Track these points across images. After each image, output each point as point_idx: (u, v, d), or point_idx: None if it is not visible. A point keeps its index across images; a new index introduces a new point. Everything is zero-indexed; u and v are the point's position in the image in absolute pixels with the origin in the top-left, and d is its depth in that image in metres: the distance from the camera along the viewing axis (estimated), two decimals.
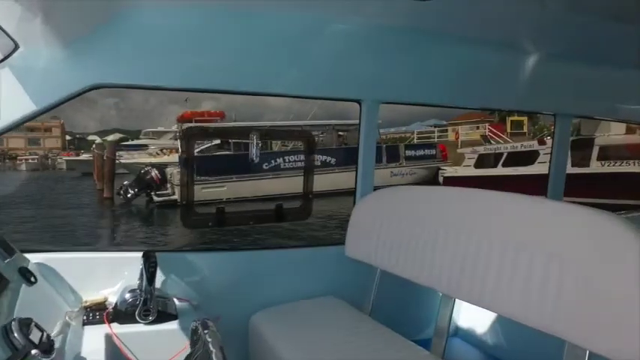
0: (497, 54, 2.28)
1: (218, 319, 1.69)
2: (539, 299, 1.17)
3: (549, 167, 2.82)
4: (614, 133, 14.14)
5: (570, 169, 11.05)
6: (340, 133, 22.91)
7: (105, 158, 18.58)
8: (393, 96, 2.19)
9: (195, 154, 18.14)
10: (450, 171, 19.01)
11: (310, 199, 2.17)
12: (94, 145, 26.22)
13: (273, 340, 1.62)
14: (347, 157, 18.43)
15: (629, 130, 13.90)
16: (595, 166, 13.83)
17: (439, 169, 20.36)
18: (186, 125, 21.13)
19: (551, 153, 2.79)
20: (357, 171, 2.17)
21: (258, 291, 1.96)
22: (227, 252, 2.16)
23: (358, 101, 2.11)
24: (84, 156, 33.97)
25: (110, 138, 27.69)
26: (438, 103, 2.31)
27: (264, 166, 17.01)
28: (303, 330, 1.67)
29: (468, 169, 17.90)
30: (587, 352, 1.10)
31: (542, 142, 15.81)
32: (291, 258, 2.12)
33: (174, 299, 1.71)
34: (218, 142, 19.00)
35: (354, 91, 2.10)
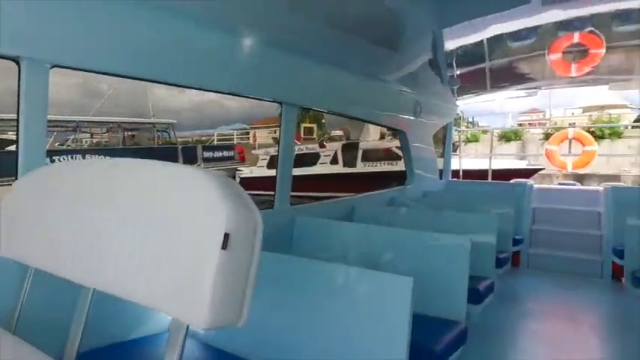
0: (218, 34, 2.22)
1: None
2: (140, 273, 1.01)
3: (278, 151, 2.96)
4: (372, 139, 17.36)
5: (343, 169, 12.74)
6: (130, 132, 20.67)
7: None
8: (67, 59, 1.71)
9: None
10: (245, 172, 19.61)
11: None
12: None
13: None
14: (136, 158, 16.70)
15: (382, 137, 17.31)
16: (360, 167, 16.64)
17: (237, 169, 20.74)
18: None
19: (279, 139, 2.94)
20: (17, 151, 1.68)
21: None
22: None
23: (15, 60, 1.60)
24: None
25: None
26: (135, 75, 1.98)
27: None
28: None
29: (261, 170, 18.84)
30: (187, 325, 0.99)
31: (322, 146, 18.07)
32: None
33: None
34: None
35: (6, 45, 1.54)
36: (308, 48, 2.75)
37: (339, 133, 20.46)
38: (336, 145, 17.61)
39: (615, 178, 13.45)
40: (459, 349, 2.01)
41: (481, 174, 7.20)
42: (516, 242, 4.14)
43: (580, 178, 11.65)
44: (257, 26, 2.35)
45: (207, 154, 21.08)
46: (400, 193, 4.62)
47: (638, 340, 2.55)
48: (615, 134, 16.39)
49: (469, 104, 6.07)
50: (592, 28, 3.82)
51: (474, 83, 5.34)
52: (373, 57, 3.44)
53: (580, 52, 4.13)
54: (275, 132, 32.62)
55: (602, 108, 25.49)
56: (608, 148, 15.59)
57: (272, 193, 2.95)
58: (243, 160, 22.08)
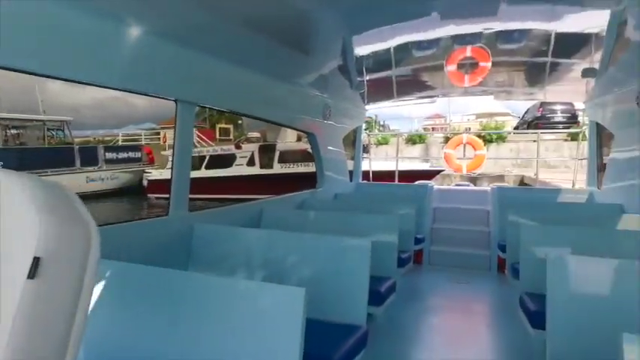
0: (103, 22, 1.96)
1: None
2: None
3: (173, 152, 2.68)
4: (289, 140, 17.38)
5: (260, 171, 12.49)
6: (14, 130, 18.02)
7: None
8: None
9: None
10: (155, 174, 18.33)
11: None
12: None
13: None
14: (18, 161, 14.62)
15: (299, 139, 17.45)
16: (277, 168, 16.56)
17: (145, 172, 19.30)
18: None
19: (174, 139, 2.67)
20: None
21: None
22: None
23: None
24: None
25: None
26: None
27: None
28: None
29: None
30: None
31: (238, 147, 17.64)
32: None
33: None
34: None
35: None
36: (210, 44, 2.59)
37: (255, 134, 20.18)
38: (253, 147, 17.33)
39: (501, 177, 15.28)
40: (359, 353, 2.03)
41: (390, 175, 7.61)
42: (418, 241, 4.40)
43: (474, 179, 13.00)
44: (148, 16, 2.13)
45: (110, 155, 19.31)
46: (311, 196, 4.65)
47: (517, 326, 2.83)
48: (501, 139, 18.63)
49: (380, 108, 6.39)
50: (481, 44, 4.24)
51: (382, 89, 5.59)
52: (282, 58, 3.40)
53: (471, 65, 4.56)
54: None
55: (490, 115, 28.94)
56: (495, 151, 17.65)
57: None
58: (152, 162, 20.64)
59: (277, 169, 16.52)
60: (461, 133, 7.04)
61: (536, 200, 5.02)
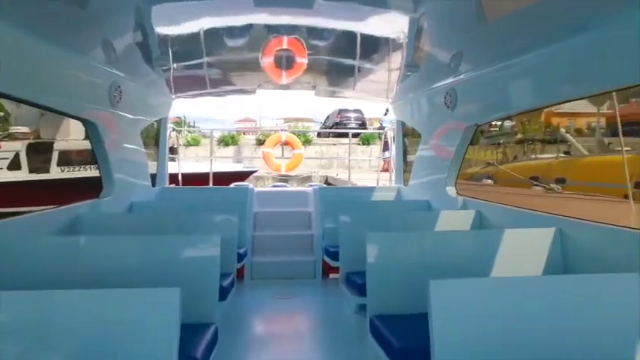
0: None
1: None
2: None
3: None
4: (75, 138, 14.12)
5: (29, 176, 9.54)
6: None
7: None
8: None
9: None
10: None
11: None
12: None
13: None
14: None
15: (87, 137, 14.44)
16: (56, 173, 13.25)
17: None
18: None
19: None
20: None
21: None
22: None
23: None
24: None
25: None
26: None
27: None
28: None
29: None
30: None
31: None
32: None
33: None
34: None
35: None
36: None
37: (24, 129, 15.76)
38: (18, 146, 13.34)
39: (309, 178, 16.34)
40: None
41: (201, 178, 6.84)
42: (241, 257, 3.77)
43: (286, 180, 13.36)
44: None
45: None
46: (91, 208, 3.44)
47: (358, 348, 2.50)
48: (307, 141, 20.04)
49: (188, 98, 5.53)
50: (297, 36, 4.01)
51: (194, 79, 4.84)
52: (45, 7, 2.29)
53: (288, 59, 4.31)
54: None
55: (297, 120, 31.27)
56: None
57: None
58: None
59: (56, 173, 13.25)
60: (278, 131, 6.86)
61: (356, 199, 5.10)
